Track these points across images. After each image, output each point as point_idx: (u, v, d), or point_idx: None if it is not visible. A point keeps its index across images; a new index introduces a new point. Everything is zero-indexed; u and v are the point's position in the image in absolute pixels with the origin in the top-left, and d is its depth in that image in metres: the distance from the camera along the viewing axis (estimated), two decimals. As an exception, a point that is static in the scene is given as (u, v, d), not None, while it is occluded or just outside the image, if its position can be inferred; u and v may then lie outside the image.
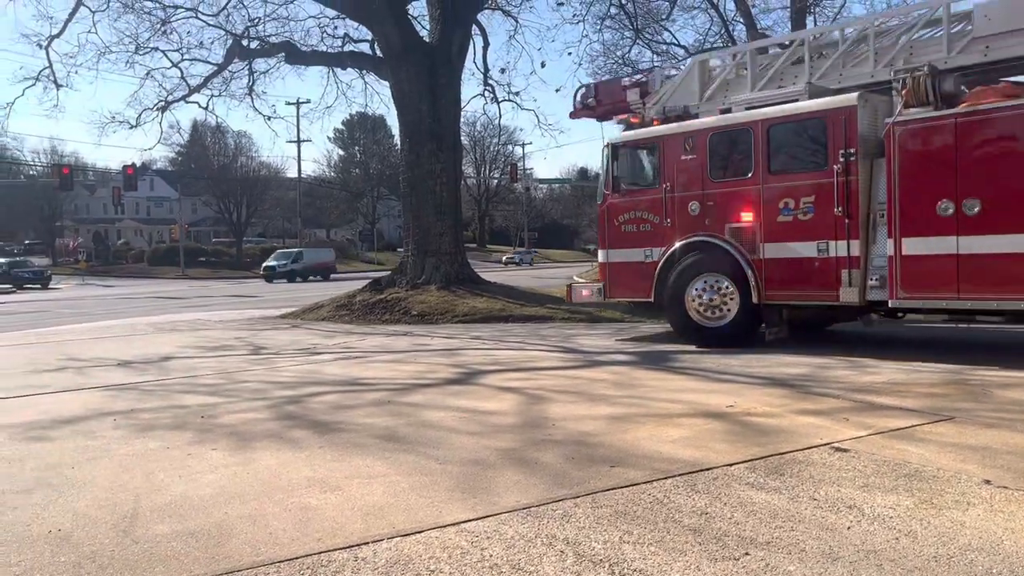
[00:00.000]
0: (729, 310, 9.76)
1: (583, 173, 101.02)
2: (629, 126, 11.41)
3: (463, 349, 10.79)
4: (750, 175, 9.50)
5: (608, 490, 4.11)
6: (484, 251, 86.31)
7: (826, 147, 8.86)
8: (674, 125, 10.43)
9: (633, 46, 24.39)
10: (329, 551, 3.41)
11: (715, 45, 23.14)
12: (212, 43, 23.08)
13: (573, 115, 12.56)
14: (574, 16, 37.38)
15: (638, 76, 12.44)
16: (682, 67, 11.60)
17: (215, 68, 20.99)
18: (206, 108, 23.80)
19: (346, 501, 4.09)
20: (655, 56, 24.97)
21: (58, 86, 20.60)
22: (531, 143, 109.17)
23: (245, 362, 10.07)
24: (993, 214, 7.67)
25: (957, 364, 7.71)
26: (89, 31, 21.16)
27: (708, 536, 3.46)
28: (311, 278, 48.61)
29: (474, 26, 20.46)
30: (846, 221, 8.68)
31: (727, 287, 9.75)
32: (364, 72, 22.19)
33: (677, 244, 10.13)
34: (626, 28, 24.40)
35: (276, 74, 23.40)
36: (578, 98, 12.44)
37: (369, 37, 20.60)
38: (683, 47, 24.80)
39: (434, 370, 8.74)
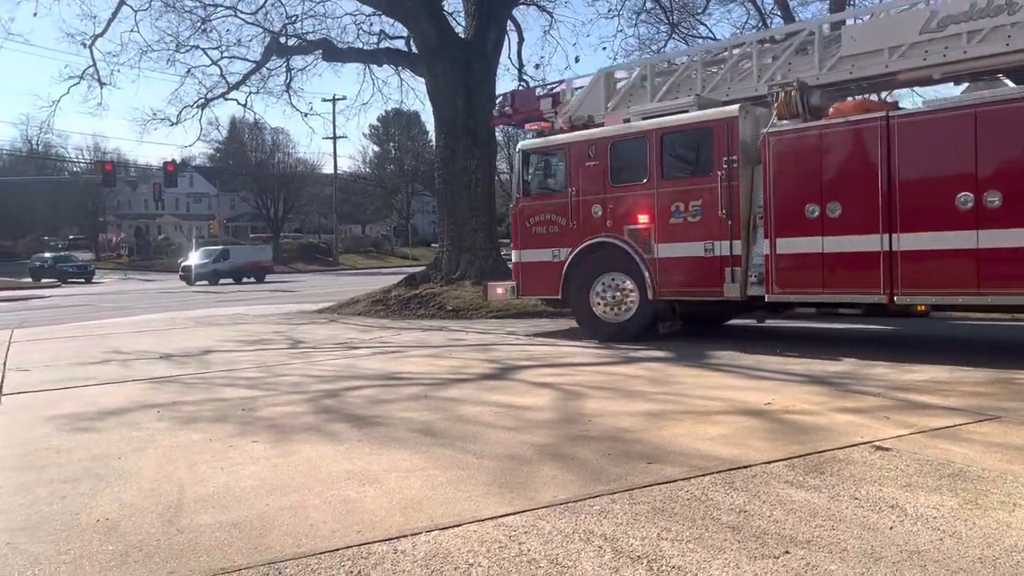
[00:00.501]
0: (630, 306, 10.48)
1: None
2: (539, 133, 12.08)
3: (498, 344, 10.83)
4: (645, 180, 10.23)
5: (646, 486, 4.11)
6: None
7: (712, 155, 9.56)
8: (579, 133, 11.12)
9: (669, 40, 24.23)
10: (369, 543, 3.45)
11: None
12: (251, 41, 23.51)
13: (492, 122, 13.64)
14: (609, 11, 37.11)
15: (551, 85, 13.18)
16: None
17: (253, 65, 21.31)
18: (244, 105, 24.36)
19: (385, 494, 4.13)
20: (691, 50, 24.73)
21: (101, 84, 21.09)
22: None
23: (284, 356, 10.20)
24: (849, 217, 8.46)
25: (1002, 364, 7.56)
26: (131, 30, 21.59)
27: (747, 534, 3.44)
28: (245, 280, 43.48)
29: (509, 22, 20.51)
30: (729, 223, 9.42)
31: (628, 285, 10.48)
32: (400, 68, 22.35)
33: (581, 245, 10.85)
34: (661, 22, 24.28)
35: (313, 71, 23.87)
36: (497, 105, 13.34)
37: (405, 34, 20.75)
38: (719, 41, 24.59)
39: (470, 365, 8.79)
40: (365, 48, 21.58)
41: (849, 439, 4.90)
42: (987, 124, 7.63)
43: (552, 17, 25.04)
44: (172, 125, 21.94)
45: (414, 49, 20.03)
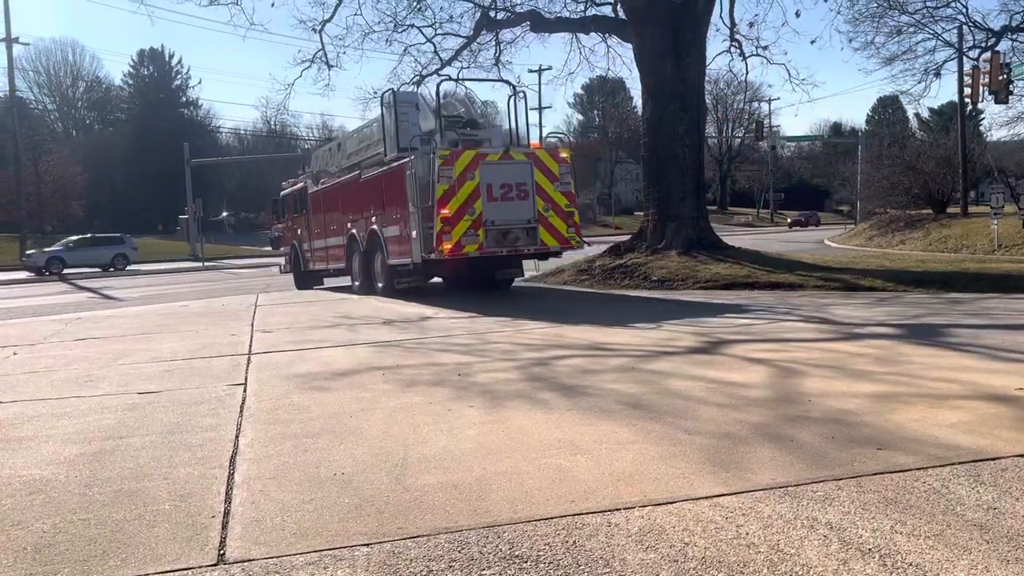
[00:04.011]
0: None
1: (836, 129, 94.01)
2: (291, 184, 22.00)
3: (706, 317, 10.53)
4: (304, 211, 20.74)
5: (875, 474, 3.83)
6: (725, 214, 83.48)
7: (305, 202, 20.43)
8: (291, 188, 21.84)
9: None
10: (582, 514, 3.49)
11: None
12: (462, 16, 24.20)
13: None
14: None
15: (319, 144, 25.26)
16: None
17: (464, 41, 21.95)
18: (457, 80, 24.95)
19: (596, 465, 4.16)
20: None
21: (329, 66, 22.70)
22: (778, 98, 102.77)
23: (494, 324, 10.56)
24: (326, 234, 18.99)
25: None
26: (355, 14, 23.14)
27: (998, 534, 3.11)
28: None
29: (721, -22, 19.58)
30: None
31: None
32: (606, 36, 22.12)
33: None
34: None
35: (521, 43, 24.16)
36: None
37: (611, -1, 20.44)
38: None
39: (677, 338, 8.62)
40: (572, 17, 21.56)
41: (1124, 434, 4.29)
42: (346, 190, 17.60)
43: (767, -31, 23.53)
44: (390, 103, 23.21)
45: (621, 15, 19.72)
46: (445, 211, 13.12)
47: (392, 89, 15.49)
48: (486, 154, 13.63)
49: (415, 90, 17.07)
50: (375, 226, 15.51)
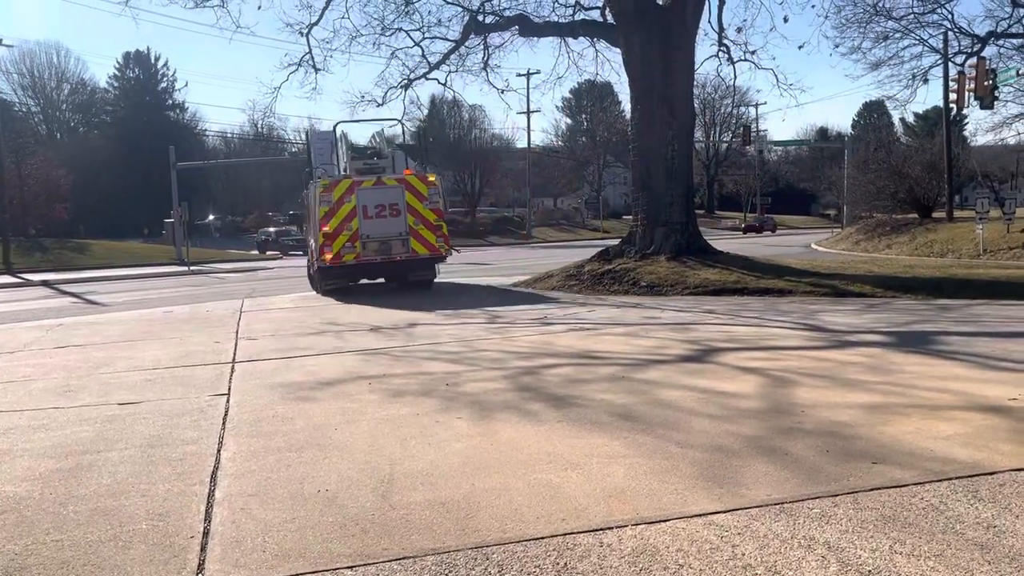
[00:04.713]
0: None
1: (823, 133, 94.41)
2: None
3: (696, 324, 10.47)
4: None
5: (871, 490, 3.76)
6: (713, 218, 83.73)
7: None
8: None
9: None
10: (573, 533, 3.40)
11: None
12: (450, 20, 24.08)
13: None
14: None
15: None
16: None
17: (453, 45, 21.83)
18: (444, 84, 24.80)
19: (587, 481, 4.06)
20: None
21: (316, 70, 22.47)
22: (765, 103, 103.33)
23: (482, 331, 10.45)
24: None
25: None
26: (343, 17, 23.10)
27: (999, 554, 3.04)
28: None
29: (709, -16, 19.56)
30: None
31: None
32: (595, 40, 22.05)
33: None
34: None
35: (510, 47, 24.17)
36: None
37: (600, 3, 20.43)
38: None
39: (667, 346, 8.55)
40: (560, 21, 21.51)
41: (1121, 447, 4.23)
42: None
43: (755, -25, 23.59)
44: (379, 106, 23.06)
45: (610, 19, 19.68)
46: (326, 228, 16.26)
47: (308, 129, 19.49)
48: (361, 181, 16.56)
49: (331, 129, 19.85)
50: (308, 237, 18.65)
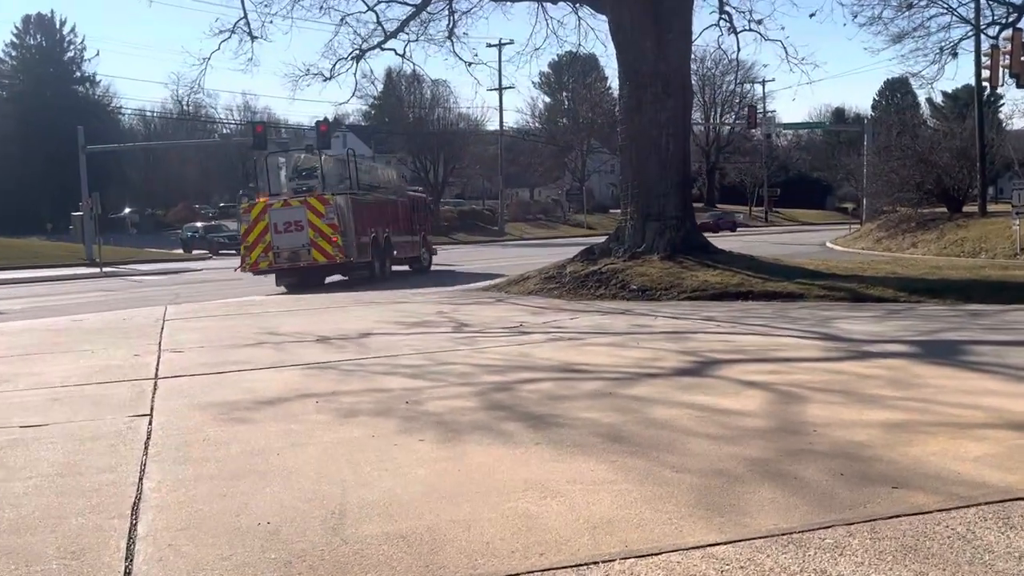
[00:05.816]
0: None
1: (839, 115, 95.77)
2: None
3: (694, 332, 10.62)
4: None
5: (891, 518, 3.86)
6: (714, 212, 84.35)
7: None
8: None
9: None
10: (553, 569, 3.46)
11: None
12: (410, -19, 24.08)
13: None
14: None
15: None
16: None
17: (413, 9, 21.88)
18: (403, 55, 24.83)
19: (569, 510, 4.13)
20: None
21: (253, 38, 22.42)
22: (773, 80, 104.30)
23: (448, 341, 10.51)
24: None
25: None
26: (283, -24, 22.77)
27: (1031, 588, 3.14)
28: None
29: (708, -58, 19.84)
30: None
31: None
32: (578, 5, 22.24)
33: None
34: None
35: (479, 13, 23.91)
36: None
37: (583, -36, 20.56)
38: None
39: (660, 357, 8.66)
40: (537, -17, 21.66)
41: None
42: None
43: (760, -67, 23.92)
44: (325, 80, 23.06)
45: (594, -18, 19.84)
46: (247, 241, 23.88)
47: (267, 153, 27.49)
48: (272, 203, 23.81)
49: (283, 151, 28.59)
50: None
